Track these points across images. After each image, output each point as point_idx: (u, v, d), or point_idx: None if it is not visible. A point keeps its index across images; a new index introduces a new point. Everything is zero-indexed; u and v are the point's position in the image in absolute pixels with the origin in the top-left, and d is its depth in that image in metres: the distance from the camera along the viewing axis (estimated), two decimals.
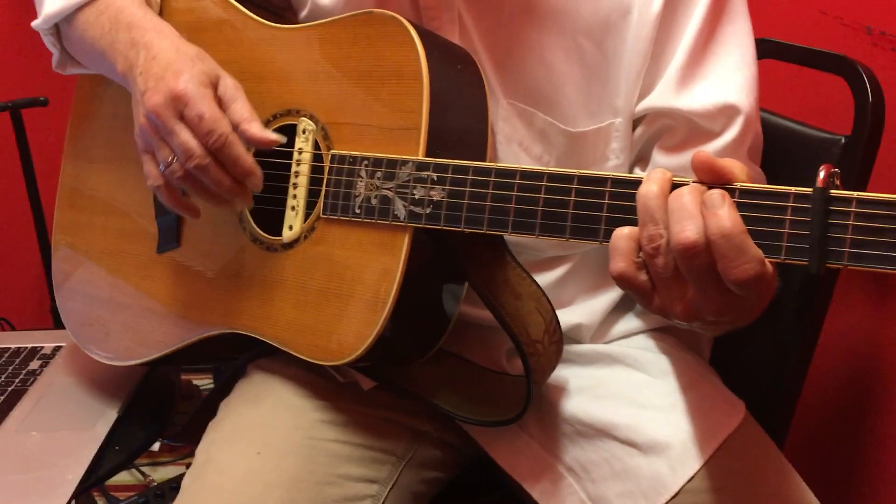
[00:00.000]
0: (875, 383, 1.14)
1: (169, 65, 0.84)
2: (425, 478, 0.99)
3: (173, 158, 0.84)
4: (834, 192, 0.62)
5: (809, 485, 0.89)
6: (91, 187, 1.07)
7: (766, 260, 0.64)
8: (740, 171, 0.66)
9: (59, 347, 1.23)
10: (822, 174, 0.61)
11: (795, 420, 1.04)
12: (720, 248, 0.63)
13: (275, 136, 0.84)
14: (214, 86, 0.85)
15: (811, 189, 0.62)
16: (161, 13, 0.99)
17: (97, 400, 1.10)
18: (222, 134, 0.82)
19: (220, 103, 0.84)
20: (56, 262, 1.10)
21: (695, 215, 0.64)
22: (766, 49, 1.07)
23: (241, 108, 0.84)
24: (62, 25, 0.97)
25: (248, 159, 0.84)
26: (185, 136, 0.82)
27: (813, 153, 1.00)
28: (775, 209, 0.64)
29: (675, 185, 0.67)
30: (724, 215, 0.63)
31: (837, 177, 0.62)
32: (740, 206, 0.64)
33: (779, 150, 1.00)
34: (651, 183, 0.67)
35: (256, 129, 0.83)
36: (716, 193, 0.64)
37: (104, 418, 1.07)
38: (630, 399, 0.92)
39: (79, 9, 0.93)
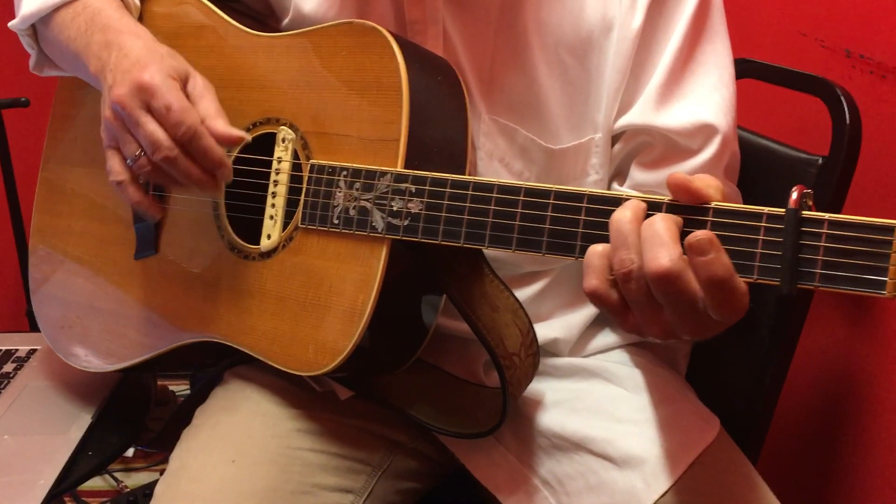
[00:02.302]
0: (849, 402, 1.15)
1: (137, 59, 0.83)
2: (400, 488, 0.98)
3: (140, 152, 0.82)
4: (806, 213, 0.62)
5: (782, 501, 0.89)
6: (70, 191, 1.07)
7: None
8: (715, 190, 0.67)
9: (34, 351, 1.22)
10: (794, 195, 0.62)
11: (769, 437, 1.05)
12: (712, 294, 0.63)
13: (239, 133, 0.83)
14: (184, 81, 0.85)
15: (784, 210, 0.63)
16: (141, 18, 0.99)
17: (71, 404, 1.09)
18: (191, 125, 0.80)
19: (188, 100, 0.83)
20: (33, 265, 1.10)
21: (667, 243, 0.64)
22: (746, 69, 1.08)
23: (208, 105, 0.83)
24: (39, 26, 0.96)
25: (217, 150, 0.82)
26: (153, 128, 0.81)
27: (790, 173, 1.01)
28: (748, 229, 0.64)
29: (649, 214, 0.67)
30: (716, 262, 0.63)
31: (810, 198, 0.63)
32: (714, 226, 0.65)
33: (757, 168, 1.01)
34: (625, 209, 0.67)
35: (222, 126, 0.82)
36: (704, 240, 0.63)
37: (78, 423, 1.06)
38: (606, 413, 0.92)
39: (56, 9, 0.93)
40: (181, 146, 0.81)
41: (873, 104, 1.06)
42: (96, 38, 0.89)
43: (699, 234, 0.63)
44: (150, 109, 0.81)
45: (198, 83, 0.85)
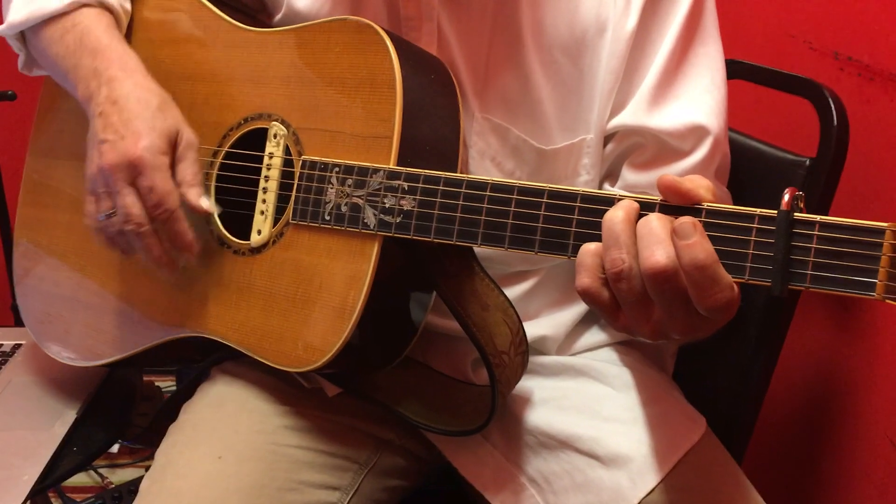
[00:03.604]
0: (834, 402, 1.16)
1: (129, 120, 0.85)
2: (387, 486, 0.98)
3: (113, 213, 0.85)
4: (798, 215, 0.63)
5: (767, 500, 0.90)
6: (56, 184, 1.06)
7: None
8: (706, 190, 0.67)
9: (19, 346, 1.21)
10: (786, 197, 0.62)
11: (755, 436, 1.05)
12: (694, 279, 0.63)
13: (208, 207, 0.86)
14: (173, 143, 0.86)
15: (776, 211, 0.63)
16: (133, 14, 0.98)
17: (56, 400, 1.08)
18: (168, 209, 0.84)
19: (173, 160, 0.86)
20: (17, 258, 1.09)
21: (664, 240, 0.64)
22: (735, 70, 1.08)
23: (187, 169, 0.86)
24: (28, 33, 0.96)
25: (188, 236, 0.86)
26: (131, 201, 0.84)
27: (778, 174, 1.02)
28: (740, 230, 0.65)
29: (642, 214, 0.67)
30: (697, 246, 0.63)
31: (802, 200, 0.63)
32: (706, 226, 0.65)
33: (745, 169, 1.01)
34: (618, 209, 0.67)
35: (193, 196, 0.86)
36: (687, 223, 0.64)
37: (63, 418, 1.05)
38: (593, 411, 0.93)
39: (44, 22, 0.92)
40: (155, 223, 0.84)
41: (861, 106, 1.07)
42: (85, 62, 0.89)
43: (683, 219, 0.64)
44: (134, 183, 0.84)
45: (183, 141, 0.87)
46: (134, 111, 0.85)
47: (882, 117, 1.06)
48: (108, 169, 0.84)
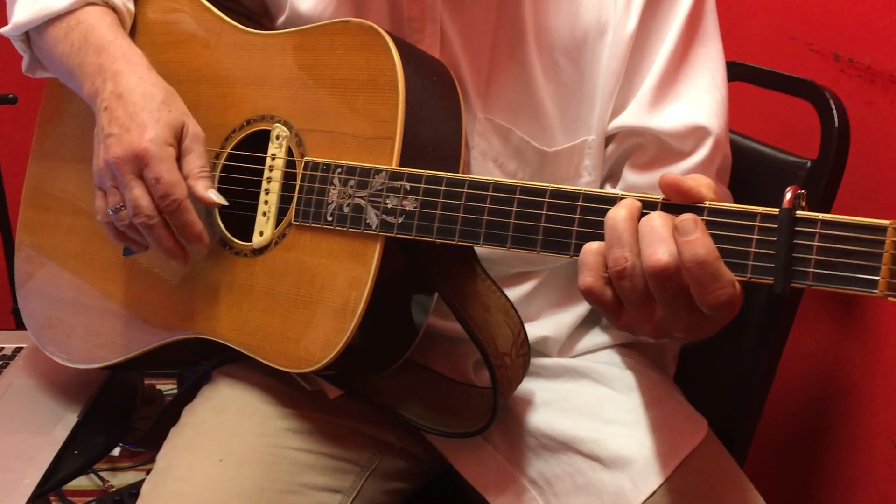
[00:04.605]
0: (836, 403, 1.16)
1: (135, 114, 0.85)
2: (389, 488, 0.98)
3: (122, 207, 0.85)
4: (800, 213, 0.63)
5: (769, 502, 0.90)
6: (58, 187, 1.06)
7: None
8: (708, 188, 0.67)
9: (20, 349, 1.20)
10: (788, 195, 0.63)
11: (757, 438, 1.05)
12: (695, 275, 0.63)
13: (216, 198, 0.86)
14: (178, 136, 0.86)
15: (778, 209, 0.63)
16: (136, 16, 0.98)
17: (57, 403, 1.08)
18: (176, 199, 0.83)
19: (180, 153, 0.86)
20: (19, 261, 1.09)
21: (666, 238, 0.64)
22: (736, 72, 1.09)
23: (194, 162, 0.86)
24: (32, 34, 0.96)
25: (197, 225, 0.85)
26: (139, 193, 0.84)
27: (780, 175, 1.02)
28: (742, 228, 0.65)
29: (644, 213, 0.67)
30: (698, 242, 0.63)
31: (804, 198, 0.63)
32: (708, 225, 0.65)
33: (747, 171, 1.01)
34: (620, 207, 0.67)
35: (201, 188, 0.85)
36: (688, 219, 0.64)
37: (64, 422, 1.05)
38: (594, 413, 0.93)
39: (49, 21, 0.93)
40: (163, 215, 0.84)
41: (861, 108, 1.07)
42: (90, 59, 0.89)
43: (684, 215, 0.64)
44: (141, 175, 0.84)
45: (189, 134, 0.87)
46: (139, 104, 0.85)
47: (883, 119, 1.06)
48: (114, 162, 0.84)
